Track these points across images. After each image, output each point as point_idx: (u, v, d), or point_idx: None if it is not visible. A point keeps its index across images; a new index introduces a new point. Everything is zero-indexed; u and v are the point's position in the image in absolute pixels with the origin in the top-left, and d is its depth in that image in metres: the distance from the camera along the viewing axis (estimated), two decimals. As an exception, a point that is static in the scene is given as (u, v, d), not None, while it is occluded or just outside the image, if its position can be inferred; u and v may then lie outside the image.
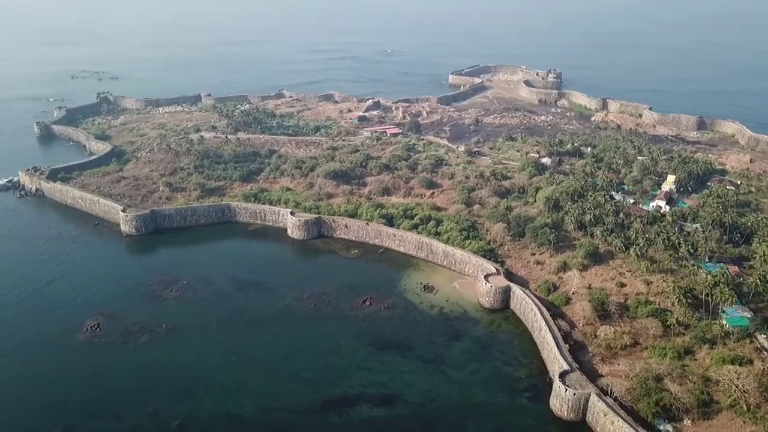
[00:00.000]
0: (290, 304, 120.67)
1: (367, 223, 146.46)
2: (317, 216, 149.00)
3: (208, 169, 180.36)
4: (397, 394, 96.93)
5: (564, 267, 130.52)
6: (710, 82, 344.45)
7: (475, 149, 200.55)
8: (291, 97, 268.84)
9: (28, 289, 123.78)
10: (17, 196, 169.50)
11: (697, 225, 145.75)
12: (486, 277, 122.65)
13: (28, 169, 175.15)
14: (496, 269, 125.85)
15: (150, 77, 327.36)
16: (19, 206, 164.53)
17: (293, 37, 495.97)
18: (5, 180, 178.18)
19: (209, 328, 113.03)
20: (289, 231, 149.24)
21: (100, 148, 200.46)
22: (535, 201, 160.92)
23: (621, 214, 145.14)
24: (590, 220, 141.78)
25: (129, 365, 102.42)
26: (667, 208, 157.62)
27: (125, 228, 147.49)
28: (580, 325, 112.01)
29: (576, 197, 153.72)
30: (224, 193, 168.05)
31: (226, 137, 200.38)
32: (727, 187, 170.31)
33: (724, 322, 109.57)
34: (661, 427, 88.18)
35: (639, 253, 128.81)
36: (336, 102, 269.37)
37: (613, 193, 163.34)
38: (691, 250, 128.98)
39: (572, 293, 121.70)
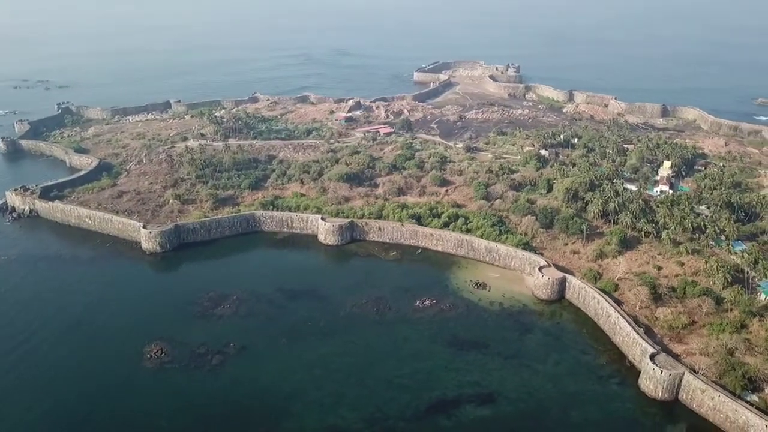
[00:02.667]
0: (352, 311, 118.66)
1: (402, 224, 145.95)
2: (350, 220, 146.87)
3: (211, 178, 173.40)
4: (494, 391, 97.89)
5: (601, 255, 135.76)
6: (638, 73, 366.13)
7: (473, 145, 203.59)
8: (269, 100, 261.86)
9: (66, 321, 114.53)
10: (9, 220, 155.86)
11: (704, 206, 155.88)
12: (540, 269, 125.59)
13: (16, 189, 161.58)
14: (546, 262, 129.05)
15: (102, 85, 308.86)
16: (14, 230, 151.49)
17: (243, 39, 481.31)
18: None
19: (279, 342, 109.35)
20: (321, 237, 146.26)
21: (84, 162, 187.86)
22: (547, 192, 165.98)
23: (641, 200, 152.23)
24: (615, 208, 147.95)
25: (211, 389, 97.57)
26: (670, 192, 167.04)
27: (148, 245, 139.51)
28: (637, 308, 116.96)
29: (592, 187, 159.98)
30: (237, 203, 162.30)
31: (226, 145, 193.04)
32: (714, 170, 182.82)
33: (763, 296, 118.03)
34: (748, 398, 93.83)
35: (671, 237, 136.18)
36: (312, 103, 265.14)
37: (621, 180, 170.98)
38: (717, 231, 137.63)
39: (617, 279, 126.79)
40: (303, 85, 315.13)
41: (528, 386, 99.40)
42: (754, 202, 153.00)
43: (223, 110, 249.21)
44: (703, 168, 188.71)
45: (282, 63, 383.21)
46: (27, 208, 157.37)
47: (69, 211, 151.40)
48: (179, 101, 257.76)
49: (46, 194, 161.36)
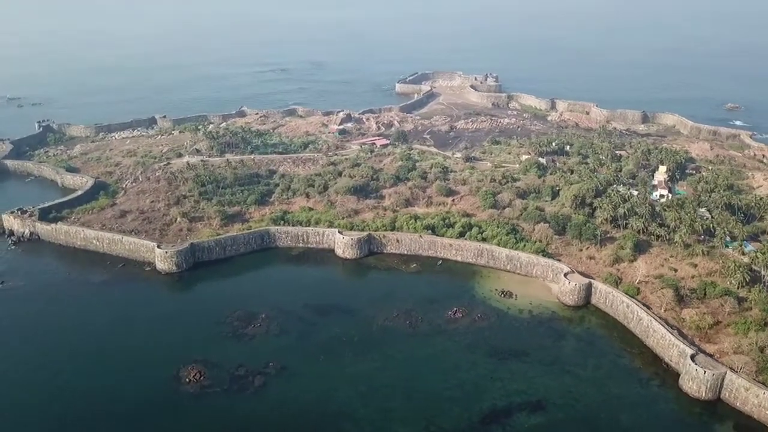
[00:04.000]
0: (385, 325, 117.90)
1: (421, 236, 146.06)
2: (368, 233, 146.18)
3: (214, 194, 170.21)
4: (542, 399, 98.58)
5: (617, 259, 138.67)
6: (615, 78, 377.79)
7: (472, 155, 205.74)
8: (258, 114, 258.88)
9: (92, 348, 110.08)
10: (9, 244, 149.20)
11: (704, 209, 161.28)
12: (565, 275, 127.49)
13: (12, 211, 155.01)
14: (570, 268, 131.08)
15: (77, 102, 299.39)
16: (16, 255, 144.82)
17: (211, 53, 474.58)
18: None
19: (317, 360, 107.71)
20: (340, 251, 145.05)
21: (78, 181, 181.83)
22: (552, 200, 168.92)
23: (647, 204, 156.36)
24: (624, 213, 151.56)
25: (258, 412, 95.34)
26: (669, 196, 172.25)
27: (163, 265, 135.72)
28: (662, 311, 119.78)
29: (599, 193, 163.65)
30: (245, 219, 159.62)
31: (227, 160, 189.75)
32: (707, 173, 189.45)
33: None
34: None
35: (683, 239, 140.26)
36: (301, 116, 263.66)
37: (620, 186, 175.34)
38: (726, 232, 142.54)
39: (637, 283, 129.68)
40: (284, 98, 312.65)
41: (573, 392, 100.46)
42: (752, 204, 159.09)
43: (210, 125, 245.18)
44: (694, 172, 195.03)
45: (258, 77, 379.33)
46: (27, 231, 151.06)
47: (74, 233, 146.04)
48: (164, 117, 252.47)
49: (44, 216, 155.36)
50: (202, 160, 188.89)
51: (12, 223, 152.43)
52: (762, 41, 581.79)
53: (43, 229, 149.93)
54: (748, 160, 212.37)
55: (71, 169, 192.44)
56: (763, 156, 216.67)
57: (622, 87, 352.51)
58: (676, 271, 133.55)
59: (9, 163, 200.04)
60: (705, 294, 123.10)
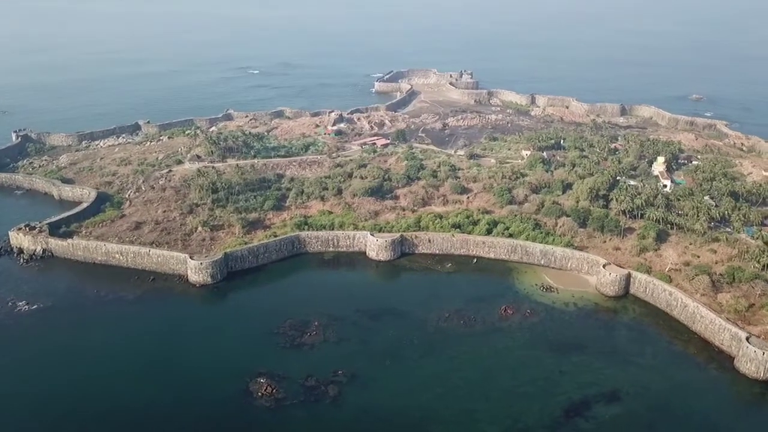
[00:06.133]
0: (440, 326, 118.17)
1: (453, 235, 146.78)
2: (400, 234, 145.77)
3: (227, 201, 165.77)
4: (615, 389, 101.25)
5: (643, 249, 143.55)
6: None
7: (476, 152, 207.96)
8: (247, 117, 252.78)
9: (148, 366, 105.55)
10: (21, 262, 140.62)
11: (707, 197, 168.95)
12: (604, 266, 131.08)
13: (20, 228, 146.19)
14: (606, 260, 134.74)
15: (46, 109, 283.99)
16: (32, 274, 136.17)
17: (161, 54, 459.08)
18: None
19: (385, 365, 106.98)
20: (372, 253, 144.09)
21: (79, 194, 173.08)
22: (563, 193, 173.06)
23: (662, 195, 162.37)
24: (641, 203, 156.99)
25: (342, 422, 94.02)
26: (672, 186, 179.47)
27: (197, 277, 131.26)
28: (698, 297, 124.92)
29: (612, 186, 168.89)
30: (266, 225, 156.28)
31: (237, 165, 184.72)
32: (702, 162, 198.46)
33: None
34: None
35: (702, 227, 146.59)
36: (288, 117, 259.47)
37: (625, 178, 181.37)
38: (741, 219, 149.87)
39: (667, 271, 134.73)
40: (263, 100, 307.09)
41: (640, 380, 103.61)
42: (753, 190, 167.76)
43: (198, 129, 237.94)
44: (686, 162, 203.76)
45: (226, 78, 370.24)
46: (39, 248, 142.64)
47: (94, 248, 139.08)
48: (149, 122, 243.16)
49: (53, 231, 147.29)
50: (212, 167, 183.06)
51: (21, 240, 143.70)
52: (713, 39, 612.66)
53: (58, 245, 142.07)
54: (730, 148, 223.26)
55: (65, 181, 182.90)
56: (742, 144, 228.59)
57: (591, 79, 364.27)
58: (698, 257, 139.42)
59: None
60: (734, 278, 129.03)
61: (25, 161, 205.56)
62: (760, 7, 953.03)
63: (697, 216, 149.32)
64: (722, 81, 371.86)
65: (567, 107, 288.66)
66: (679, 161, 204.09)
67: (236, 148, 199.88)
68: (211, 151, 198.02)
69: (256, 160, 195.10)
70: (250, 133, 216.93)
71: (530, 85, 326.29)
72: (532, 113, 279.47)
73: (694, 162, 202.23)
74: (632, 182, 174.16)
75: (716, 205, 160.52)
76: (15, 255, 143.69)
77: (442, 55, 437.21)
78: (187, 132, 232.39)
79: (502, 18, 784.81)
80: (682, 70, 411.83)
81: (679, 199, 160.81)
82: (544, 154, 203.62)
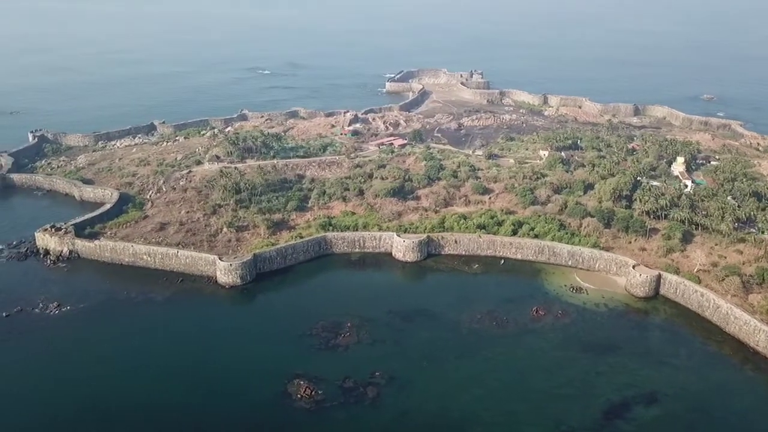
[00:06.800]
0: (473, 327, 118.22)
1: (480, 236, 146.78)
2: (426, 235, 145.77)
3: (250, 202, 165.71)
4: (653, 391, 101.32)
5: (670, 250, 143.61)
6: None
7: (494, 152, 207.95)
8: (262, 117, 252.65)
9: (184, 369, 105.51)
10: (48, 263, 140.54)
11: (729, 197, 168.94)
12: (633, 267, 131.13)
13: (46, 229, 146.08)
14: (635, 260, 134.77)
15: (56, 108, 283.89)
16: (60, 276, 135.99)
17: (167, 54, 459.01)
18: (11, 248, 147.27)
19: (422, 366, 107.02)
20: (399, 254, 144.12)
21: (100, 194, 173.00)
22: (584, 193, 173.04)
23: (686, 196, 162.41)
24: (665, 204, 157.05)
25: (384, 424, 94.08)
26: (693, 186, 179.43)
27: (226, 278, 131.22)
28: (728, 297, 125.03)
29: (635, 186, 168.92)
30: (291, 226, 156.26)
31: (259, 166, 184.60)
32: (721, 162, 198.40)
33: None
34: None
35: (728, 228, 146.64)
36: (303, 118, 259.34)
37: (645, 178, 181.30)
38: (767, 220, 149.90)
39: (696, 271, 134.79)
40: (273, 98, 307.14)
41: (677, 381, 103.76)
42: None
43: (213, 129, 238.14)
44: (704, 162, 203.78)
45: (237, 79, 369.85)
46: (65, 249, 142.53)
47: (122, 249, 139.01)
48: (164, 122, 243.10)
49: (78, 232, 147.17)
50: (235, 167, 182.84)
51: (48, 241, 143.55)
52: (713, 39, 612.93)
53: (85, 246, 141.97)
54: (747, 148, 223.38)
55: (85, 182, 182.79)
56: (758, 144, 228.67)
57: (601, 79, 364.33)
58: (725, 258, 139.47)
59: (15, 177, 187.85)
60: (763, 279, 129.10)
61: (43, 162, 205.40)
62: (760, 7, 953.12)
63: (723, 217, 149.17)
64: (728, 81, 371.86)
65: (580, 107, 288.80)
66: (698, 161, 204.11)
67: (255, 149, 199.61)
68: (230, 152, 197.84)
69: (275, 161, 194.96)
70: (269, 133, 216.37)
71: (538, 84, 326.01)
72: (546, 113, 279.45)
73: (712, 162, 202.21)
74: (655, 183, 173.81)
75: (739, 206, 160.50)
76: (41, 256, 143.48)
77: (444, 54, 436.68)
78: (202, 132, 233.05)
79: (500, 18, 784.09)
80: (687, 70, 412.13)
81: (703, 200, 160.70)
82: (563, 154, 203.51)
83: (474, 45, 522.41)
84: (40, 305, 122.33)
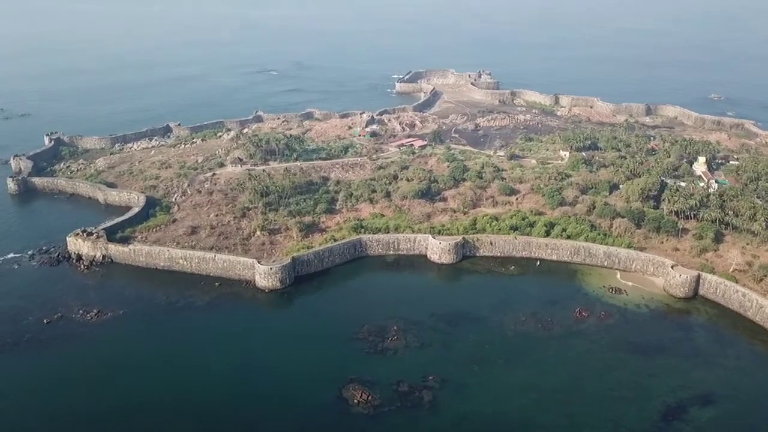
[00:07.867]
0: (519, 330, 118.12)
1: (515, 237, 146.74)
2: (462, 237, 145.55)
3: (278, 205, 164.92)
4: (707, 392, 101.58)
5: (703, 250, 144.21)
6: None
7: (515, 153, 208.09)
8: (278, 119, 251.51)
9: (231, 374, 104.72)
10: (82, 268, 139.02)
11: (755, 197, 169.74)
12: (672, 268, 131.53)
13: (78, 233, 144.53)
14: (674, 261, 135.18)
15: (67, 111, 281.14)
16: (96, 281, 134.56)
17: (177, 56, 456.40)
18: (42, 253, 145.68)
19: (473, 370, 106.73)
20: (435, 256, 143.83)
21: (126, 198, 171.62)
22: (609, 194, 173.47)
23: (715, 195, 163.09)
24: (695, 204, 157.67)
25: (444, 428, 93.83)
26: (716, 186, 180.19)
27: (265, 282, 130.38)
28: (766, 297, 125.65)
29: (662, 187, 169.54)
30: (322, 229, 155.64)
31: (286, 168, 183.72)
32: (743, 162, 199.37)
33: None
34: None
35: (761, 228, 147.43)
36: (318, 119, 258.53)
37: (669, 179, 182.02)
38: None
39: (731, 271, 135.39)
40: (286, 100, 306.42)
41: (730, 382, 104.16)
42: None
43: (229, 131, 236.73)
44: (724, 161, 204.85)
45: (247, 80, 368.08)
46: (99, 253, 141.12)
47: (158, 253, 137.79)
48: (179, 124, 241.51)
49: (110, 237, 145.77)
50: (263, 170, 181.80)
51: (80, 246, 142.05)
52: (713, 38, 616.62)
53: (118, 251, 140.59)
54: (763, 147, 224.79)
55: (108, 185, 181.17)
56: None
57: (607, 80, 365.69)
58: (759, 258, 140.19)
59: (36, 180, 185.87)
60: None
61: (61, 165, 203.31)
62: (760, 7, 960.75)
63: (755, 216, 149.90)
64: (735, 81, 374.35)
65: (591, 107, 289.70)
66: (717, 161, 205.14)
67: (278, 151, 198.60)
68: (252, 154, 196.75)
69: (298, 163, 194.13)
70: (291, 135, 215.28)
71: (545, 85, 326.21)
72: (558, 113, 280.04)
73: (731, 162, 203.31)
74: (682, 183, 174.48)
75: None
76: (74, 261, 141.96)
77: (450, 55, 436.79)
78: (218, 134, 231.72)
79: (500, 19, 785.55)
80: (691, 70, 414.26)
81: (731, 199, 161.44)
82: (583, 154, 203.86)
83: (474, 45, 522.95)
84: (80, 311, 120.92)
